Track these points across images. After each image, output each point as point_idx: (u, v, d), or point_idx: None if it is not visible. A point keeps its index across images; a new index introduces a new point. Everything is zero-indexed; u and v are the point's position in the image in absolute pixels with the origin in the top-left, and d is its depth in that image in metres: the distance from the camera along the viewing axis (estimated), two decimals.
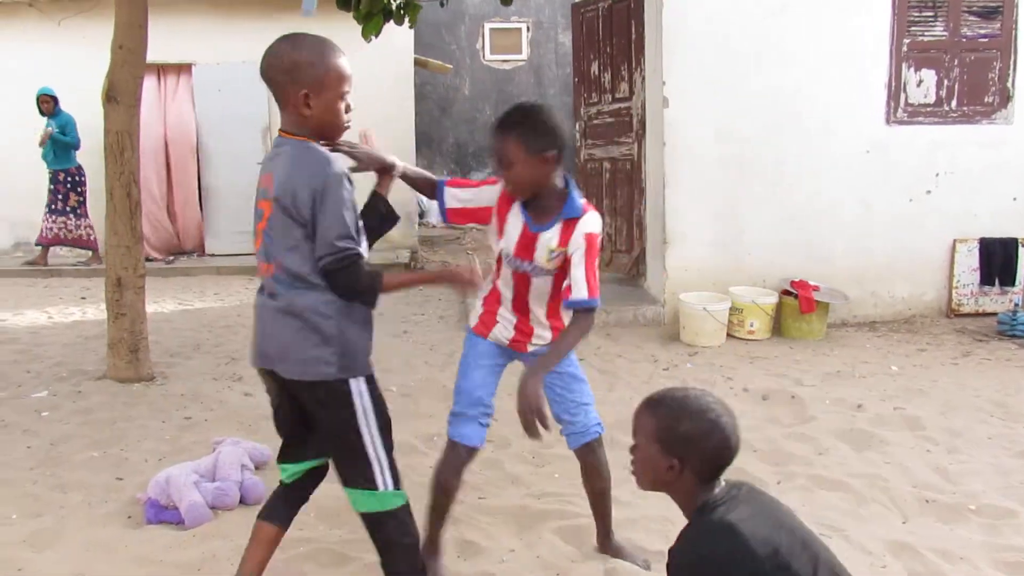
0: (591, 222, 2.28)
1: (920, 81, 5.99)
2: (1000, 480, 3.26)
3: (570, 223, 2.26)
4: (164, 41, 8.55)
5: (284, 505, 2.24)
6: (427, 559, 2.40)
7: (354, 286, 1.94)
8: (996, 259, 6.05)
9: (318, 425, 2.06)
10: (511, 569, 2.56)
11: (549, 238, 2.28)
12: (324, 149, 1.98)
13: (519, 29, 13.50)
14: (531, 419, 2.15)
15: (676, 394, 1.79)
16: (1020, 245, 5.98)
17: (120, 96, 4.39)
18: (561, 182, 2.30)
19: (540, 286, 2.38)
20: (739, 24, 5.77)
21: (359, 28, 5.13)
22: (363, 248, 1.97)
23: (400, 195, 7.81)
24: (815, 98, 5.85)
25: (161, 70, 9.32)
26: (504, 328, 2.46)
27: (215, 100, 9.36)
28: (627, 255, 6.76)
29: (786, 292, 5.70)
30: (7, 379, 4.67)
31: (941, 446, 3.63)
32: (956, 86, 6.02)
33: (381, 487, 2.01)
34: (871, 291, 6.05)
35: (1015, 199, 6.05)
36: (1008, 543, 2.73)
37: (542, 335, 2.46)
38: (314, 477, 2.23)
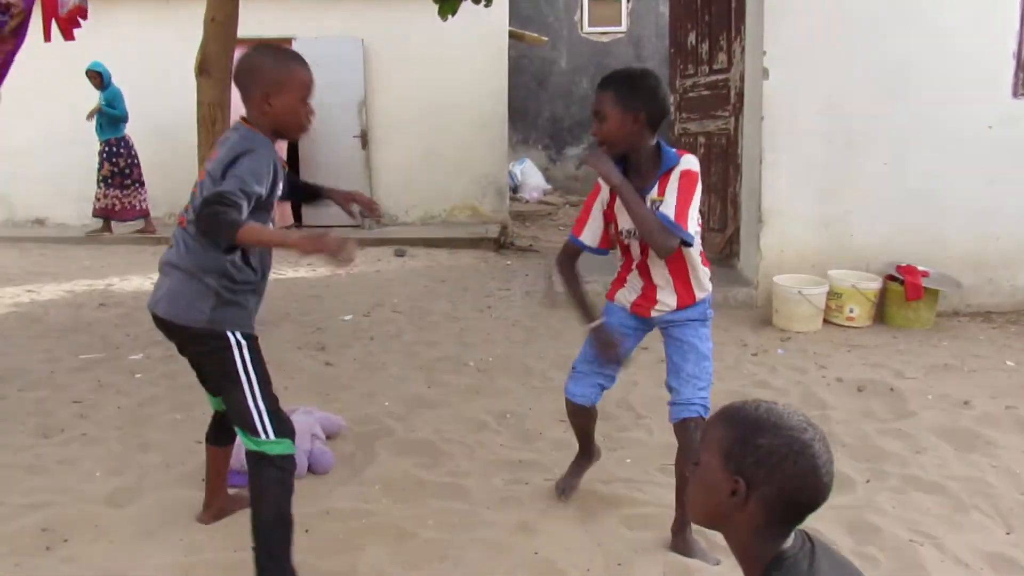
0: (686, 162, 2.35)
1: None
2: None
3: (667, 173, 2.36)
4: (265, 16, 8.79)
5: (219, 429, 2.57)
6: (580, 462, 2.90)
7: (210, 225, 1.99)
8: None
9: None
10: (570, 556, 2.48)
11: (650, 195, 2.37)
12: (263, 138, 2.18)
13: (619, 1, 13.17)
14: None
15: (761, 404, 1.37)
16: None
17: (212, 69, 4.50)
18: (653, 145, 2.39)
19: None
20: None
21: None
22: (240, 200, 2.00)
23: (490, 169, 7.80)
24: (935, 68, 5.40)
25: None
26: (628, 292, 2.59)
27: (314, 75, 9.52)
28: (719, 234, 6.51)
29: (891, 277, 5.35)
30: (108, 341, 4.92)
31: None
32: None
33: (259, 435, 2.19)
34: (988, 278, 5.60)
35: None
36: None
37: (667, 302, 2.51)
38: None
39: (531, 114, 13.34)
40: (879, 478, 3.07)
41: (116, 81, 8.84)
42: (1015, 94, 5.46)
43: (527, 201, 12.24)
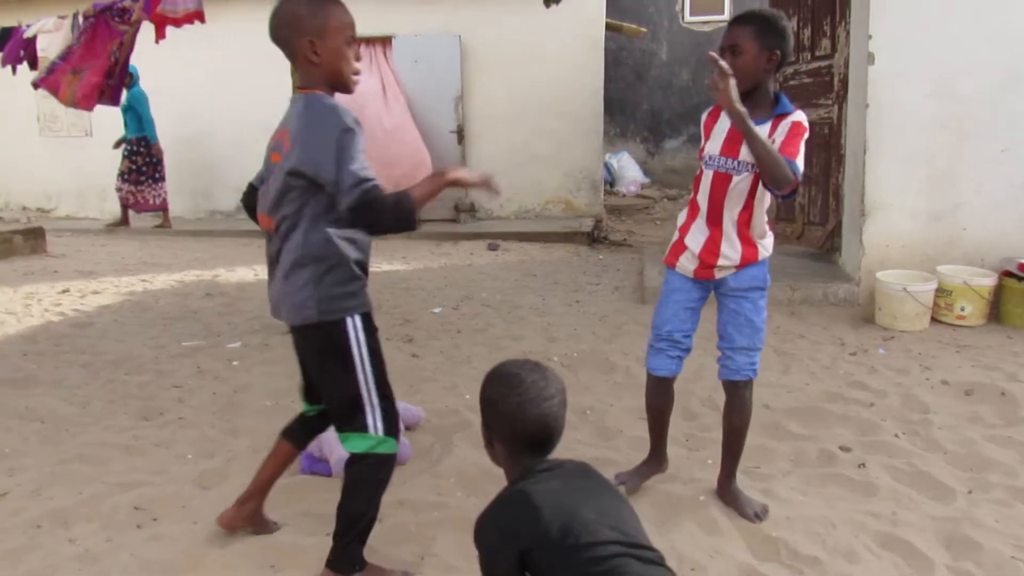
0: (799, 115, 2.42)
1: None
2: None
3: (780, 118, 2.43)
4: (364, 14, 9.01)
5: (303, 431, 2.47)
6: (650, 464, 2.89)
7: (383, 216, 1.96)
8: None
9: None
10: None
11: (761, 132, 2.37)
12: (332, 101, 2.03)
13: None
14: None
15: (508, 362, 1.76)
16: None
17: None
18: (773, 90, 2.48)
19: (738, 188, 2.49)
20: None
21: None
22: (382, 184, 1.98)
23: (585, 163, 7.75)
24: None
25: (364, 43, 9.80)
26: (691, 251, 2.59)
27: (412, 71, 9.71)
28: (821, 227, 6.23)
29: (1008, 273, 4.98)
30: (211, 329, 5.17)
31: None
32: None
33: (368, 428, 2.14)
34: None
35: None
36: None
37: (729, 256, 2.53)
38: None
39: (630, 107, 13.15)
40: (982, 489, 2.87)
41: (232, 79, 9.27)
42: None
43: (624, 195, 12.08)
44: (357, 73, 2.12)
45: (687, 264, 2.63)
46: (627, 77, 13.01)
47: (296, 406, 3.74)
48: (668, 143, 13.20)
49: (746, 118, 2.31)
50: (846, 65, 5.74)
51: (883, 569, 2.38)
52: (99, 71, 5.79)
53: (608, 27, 10.30)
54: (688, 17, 12.90)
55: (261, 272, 7.25)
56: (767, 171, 2.33)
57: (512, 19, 9.54)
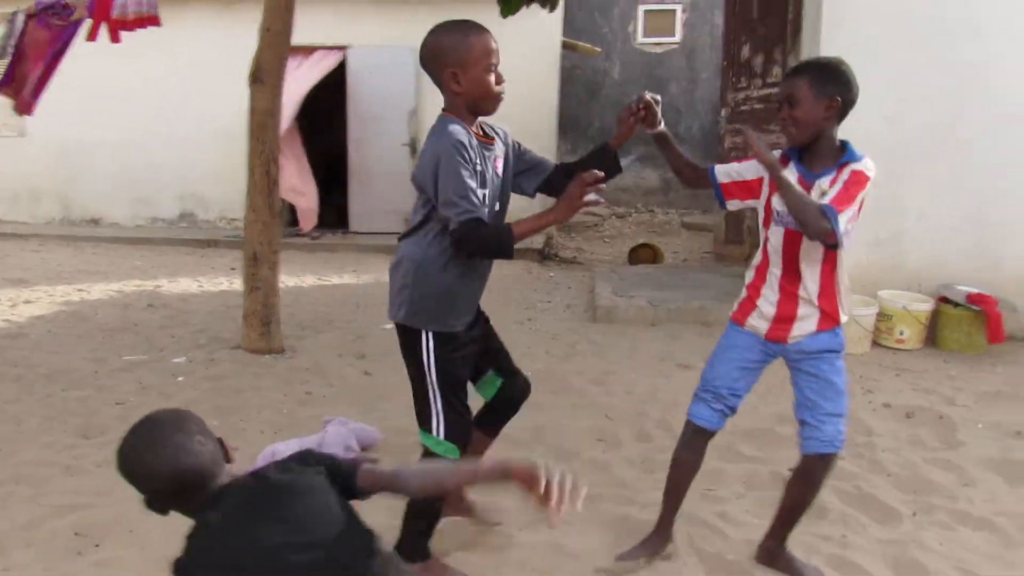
0: (863, 164, 2.28)
1: None
2: None
3: (844, 166, 2.29)
4: (319, 24, 8.92)
5: (491, 413, 2.61)
6: (654, 540, 2.60)
7: (481, 247, 2.17)
8: None
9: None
10: None
11: (822, 183, 2.29)
12: (453, 125, 2.17)
13: (673, 11, 13.06)
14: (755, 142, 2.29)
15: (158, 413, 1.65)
16: None
17: (265, 77, 4.56)
18: (838, 139, 2.35)
19: (815, 244, 2.31)
20: (915, 1, 5.22)
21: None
22: (482, 211, 2.13)
23: None
24: (1005, 82, 5.18)
25: (315, 53, 9.68)
26: (763, 313, 2.42)
27: (366, 82, 9.65)
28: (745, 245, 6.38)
29: (944, 299, 5.17)
30: (153, 343, 5.02)
31: None
32: None
33: (432, 431, 2.32)
34: None
35: None
36: None
37: (807, 318, 2.37)
38: (507, 394, 2.57)
39: (582, 124, 13.28)
40: (926, 511, 2.95)
41: (181, 83, 9.04)
42: None
43: None
44: (499, 97, 2.26)
45: (757, 324, 2.44)
46: (579, 95, 13.14)
47: (244, 424, 3.68)
48: (620, 160, 13.35)
49: (775, 168, 2.26)
50: None
51: None
52: (39, 72, 5.59)
53: (564, 45, 10.40)
54: (640, 38, 13.11)
55: (206, 283, 7.09)
56: (799, 220, 2.22)
57: None
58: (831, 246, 2.26)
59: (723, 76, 7.12)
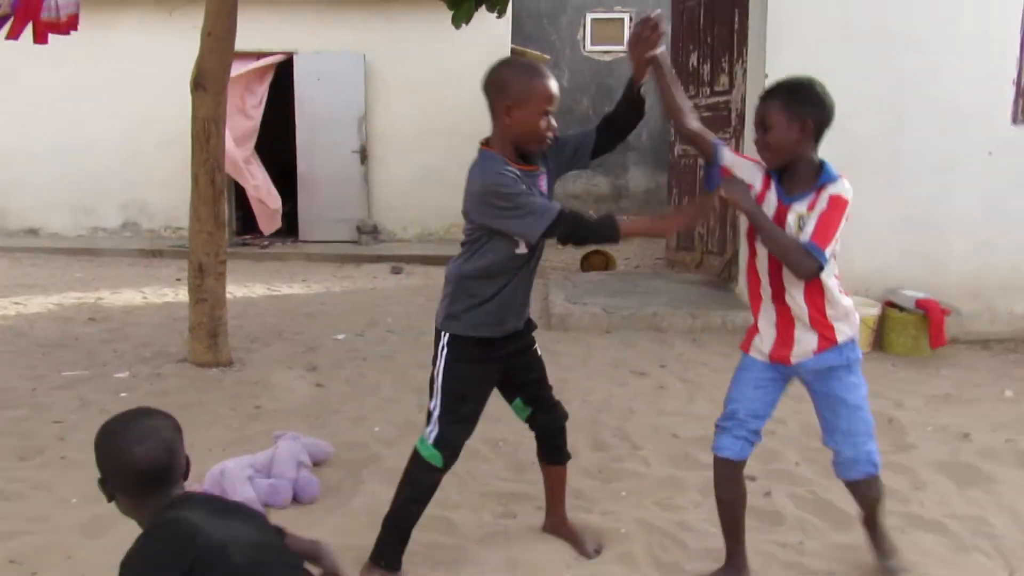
0: (840, 187, 2.25)
1: None
2: None
3: (821, 188, 2.26)
4: (264, 29, 8.77)
5: (540, 445, 2.68)
6: (727, 571, 2.52)
7: (588, 231, 2.30)
8: None
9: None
10: None
11: (799, 207, 2.27)
12: (490, 160, 2.28)
13: (622, 19, 13.19)
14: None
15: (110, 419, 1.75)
16: None
17: (208, 83, 4.44)
18: (817, 159, 2.32)
19: None
20: (852, 11, 5.35)
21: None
22: (553, 204, 2.26)
23: None
24: (940, 92, 5.36)
25: (261, 59, 9.51)
26: (764, 337, 2.40)
27: (314, 89, 9.51)
28: (718, 257, 6.45)
29: (890, 304, 5.28)
30: (95, 358, 4.84)
31: None
32: None
33: (425, 433, 2.39)
34: (988, 306, 5.54)
35: None
36: None
37: (804, 340, 2.33)
38: (541, 424, 2.63)
39: None
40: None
41: (123, 89, 8.80)
42: (1015, 121, 5.43)
43: None
44: (544, 141, 2.34)
45: (761, 347, 2.41)
46: None
47: (191, 440, 3.55)
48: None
49: (756, 215, 2.25)
50: (743, 101, 5.99)
51: None
52: None
53: (512, 53, 10.41)
54: (589, 46, 13.21)
55: (151, 294, 6.89)
56: (784, 263, 2.22)
57: (419, 41, 9.51)
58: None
59: None
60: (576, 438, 3.63)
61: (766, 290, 2.37)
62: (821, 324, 2.31)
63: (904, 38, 5.33)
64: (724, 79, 6.33)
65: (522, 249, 2.32)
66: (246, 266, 8.35)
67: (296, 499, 2.95)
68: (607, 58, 13.21)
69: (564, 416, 2.67)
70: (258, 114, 9.25)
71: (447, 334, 2.37)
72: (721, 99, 6.34)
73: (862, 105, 5.36)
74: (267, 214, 9.34)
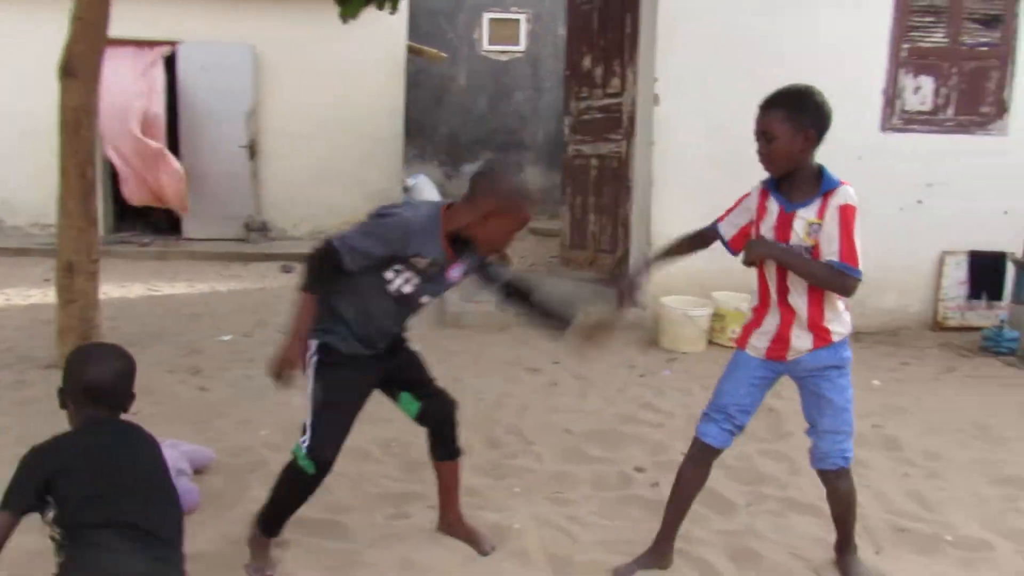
0: (846, 194, 2.31)
1: (918, 88, 5.82)
2: (978, 509, 3.10)
3: (828, 195, 2.31)
4: (143, 16, 8.34)
5: (432, 441, 2.67)
6: (651, 555, 2.58)
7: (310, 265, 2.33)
8: (985, 273, 5.90)
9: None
10: None
11: (806, 213, 2.32)
12: (425, 218, 2.32)
13: (518, 20, 13.28)
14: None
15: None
16: (1009, 260, 5.81)
17: (78, 71, 4.17)
18: (816, 165, 2.38)
19: None
20: (736, 20, 5.57)
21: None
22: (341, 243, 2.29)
23: (384, 184, 7.56)
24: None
25: (141, 48, 9.05)
26: (760, 336, 2.46)
27: (199, 79, 9.12)
28: (610, 255, 6.58)
29: None
30: None
31: (919, 469, 3.47)
32: (954, 95, 5.85)
33: (300, 441, 2.37)
34: (857, 300, 5.76)
35: (1006, 212, 5.88)
36: None
37: (801, 338, 2.39)
38: (431, 415, 2.62)
39: (428, 130, 13.23)
40: (759, 501, 3.12)
41: None
42: (882, 128, 5.79)
43: None
44: (496, 252, 2.49)
45: (757, 344, 2.48)
46: (426, 100, 13.08)
47: None
48: (466, 167, 13.41)
49: (784, 256, 2.32)
50: (634, 104, 6.13)
51: None
52: None
53: (409, 50, 10.32)
54: (486, 46, 13.24)
55: (14, 296, 6.45)
56: (825, 288, 2.33)
57: (312, 34, 9.27)
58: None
59: (566, 85, 7.29)
60: (470, 436, 3.62)
61: (773, 301, 2.43)
62: (818, 325, 2.39)
63: (779, 49, 5.59)
64: (616, 82, 6.45)
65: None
66: (124, 265, 7.93)
67: None
68: (504, 58, 13.28)
69: (453, 403, 2.66)
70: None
71: (315, 343, 2.38)
72: (613, 101, 6.47)
73: (745, 111, 5.48)
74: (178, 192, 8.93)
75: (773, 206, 2.39)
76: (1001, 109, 5.86)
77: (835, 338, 2.41)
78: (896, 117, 5.81)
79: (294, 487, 2.41)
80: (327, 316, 2.37)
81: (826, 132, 2.36)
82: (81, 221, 4.26)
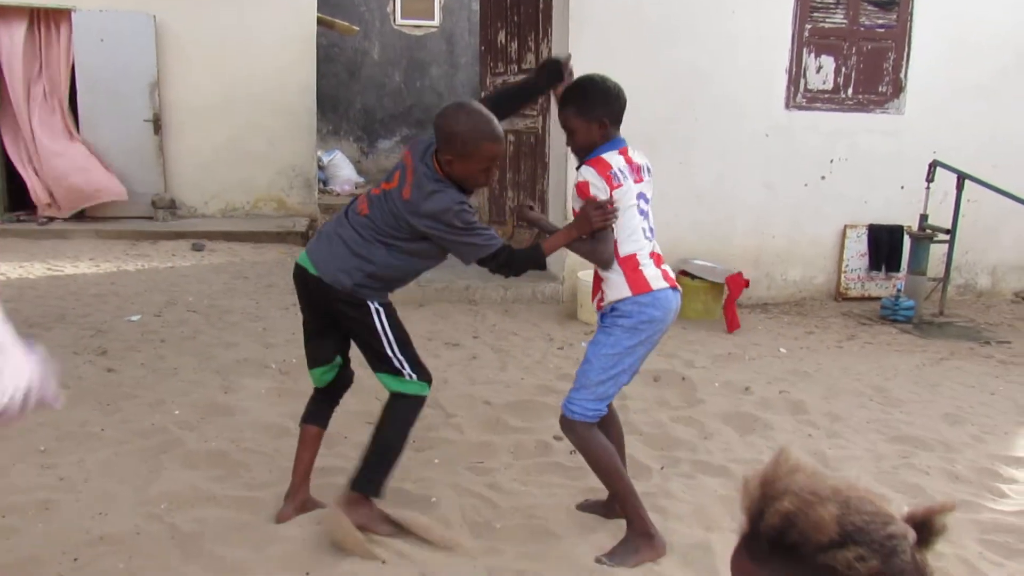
0: (582, 173, 2.48)
1: (819, 67, 6.06)
2: (874, 466, 3.30)
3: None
4: None
5: (319, 406, 2.74)
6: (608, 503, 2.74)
7: (518, 271, 2.52)
8: (883, 245, 6.23)
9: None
10: (373, 569, 2.39)
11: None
12: (453, 191, 2.42)
13: None
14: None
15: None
16: (906, 232, 6.15)
17: None
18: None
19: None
20: (648, 1, 5.67)
21: None
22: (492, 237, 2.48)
23: (298, 160, 7.44)
24: (723, 79, 5.83)
25: (36, 15, 8.56)
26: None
27: (97, 51, 8.68)
28: (528, 230, 6.64)
29: (683, 272, 5.70)
30: None
31: (821, 430, 3.66)
32: (853, 74, 6.11)
33: (397, 378, 2.55)
34: (766, 273, 6.12)
35: (903, 187, 6.21)
36: None
37: (604, 289, 2.56)
38: (340, 378, 2.72)
39: (342, 105, 12.97)
40: (672, 464, 3.24)
41: None
42: (787, 106, 6.01)
43: (338, 194, 11.89)
44: (481, 186, 2.57)
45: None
46: (339, 75, 12.81)
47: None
48: (382, 143, 13.23)
49: (554, 238, 2.57)
50: None
51: (600, 542, 2.58)
52: None
53: (320, 22, 10.07)
54: (400, 20, 13.04)
55: None
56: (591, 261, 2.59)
57: (217, 3, 8.93)
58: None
59: (481, 61, 7.27)
60: None
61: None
62: (598, 287, 2.62)
63: (687, 29, 5.74)
64: (531, 57, 6.47)
65: (436, 260, 2.59)
66: (21, 244, 7.54)
67: None
68: (419, 32, 13.10)
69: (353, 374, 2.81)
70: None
71: (375, 303, 2.52)
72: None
73: (656, 89, 5.70)
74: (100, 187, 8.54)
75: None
76: (897, 88, 6.17)
77: (608, 297, 2.54)
78: (800, 95, 6.03)
79: (413, 415, 2.58)
80: (376, 280, 2.51)
81: (621, 112, 2.53)
82: None
